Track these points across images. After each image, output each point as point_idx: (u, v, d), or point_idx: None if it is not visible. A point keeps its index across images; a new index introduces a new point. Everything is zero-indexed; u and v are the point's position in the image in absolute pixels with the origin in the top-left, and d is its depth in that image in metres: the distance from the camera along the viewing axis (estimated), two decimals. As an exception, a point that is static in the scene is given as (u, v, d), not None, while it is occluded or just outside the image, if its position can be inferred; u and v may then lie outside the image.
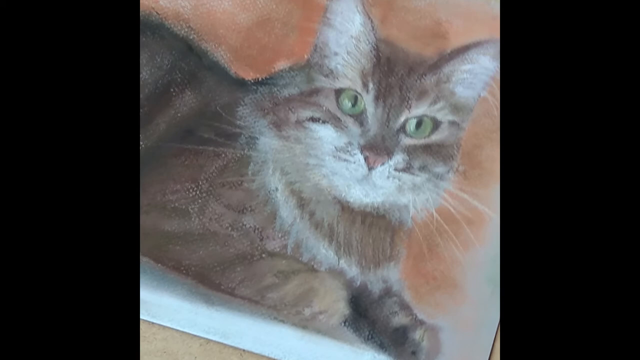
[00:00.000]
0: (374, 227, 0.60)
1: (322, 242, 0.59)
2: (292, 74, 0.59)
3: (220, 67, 0.58)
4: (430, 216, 0.60)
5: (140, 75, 0.57)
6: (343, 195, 0.59)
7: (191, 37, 0.58)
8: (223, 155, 0.58)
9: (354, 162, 0.58)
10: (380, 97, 0.58)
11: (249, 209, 0.59)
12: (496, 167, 0.60)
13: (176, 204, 0.58)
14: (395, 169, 0.58)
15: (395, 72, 0.59)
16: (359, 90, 0.58)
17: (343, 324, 0.60)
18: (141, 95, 0.57)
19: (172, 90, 0.58)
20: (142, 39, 0.57)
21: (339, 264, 0.60)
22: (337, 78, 0.59)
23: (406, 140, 0.59)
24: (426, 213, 0.60)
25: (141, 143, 0.57)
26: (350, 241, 0.60)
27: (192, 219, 0.58)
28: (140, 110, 0.57)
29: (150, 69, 0.58)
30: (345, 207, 0.59)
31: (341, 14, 0.58)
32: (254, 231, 0.59)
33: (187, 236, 0.58)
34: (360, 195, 0.59)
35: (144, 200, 0.57)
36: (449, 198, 0.60)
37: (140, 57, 0.57)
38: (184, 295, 0.58)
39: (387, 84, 0.59)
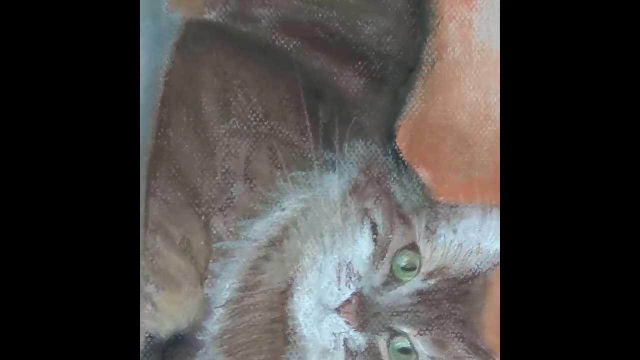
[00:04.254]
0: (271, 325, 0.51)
1: (236, 277, 0.51)
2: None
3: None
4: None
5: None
6: (298, 288, 0.49)
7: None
8: (297, 144, 0.51)
9: (339, 288, 0.49)
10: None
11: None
12: None
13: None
14: (344, 340, 0.49)
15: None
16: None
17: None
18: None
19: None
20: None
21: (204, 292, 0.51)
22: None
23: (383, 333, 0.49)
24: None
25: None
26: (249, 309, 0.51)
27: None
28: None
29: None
30: (285, 292, 0.50)
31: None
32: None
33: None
34: (302, 304, 0.49)
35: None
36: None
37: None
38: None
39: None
